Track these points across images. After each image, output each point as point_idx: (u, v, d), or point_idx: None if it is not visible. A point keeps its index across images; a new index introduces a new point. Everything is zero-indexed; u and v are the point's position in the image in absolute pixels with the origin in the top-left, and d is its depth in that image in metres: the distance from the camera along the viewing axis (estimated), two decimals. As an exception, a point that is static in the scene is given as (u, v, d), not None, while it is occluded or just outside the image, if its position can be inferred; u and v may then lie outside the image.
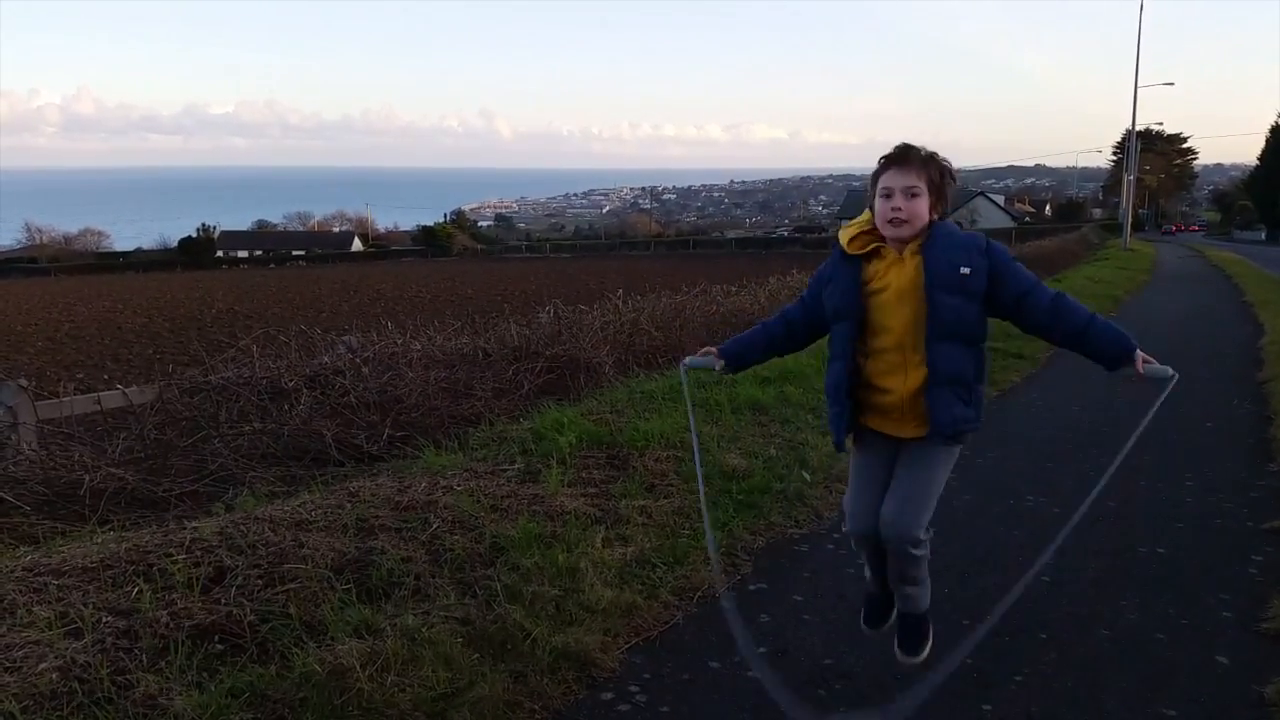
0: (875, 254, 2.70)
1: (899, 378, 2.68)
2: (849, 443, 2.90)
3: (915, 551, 2.73)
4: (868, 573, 3.04)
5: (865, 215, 2.75)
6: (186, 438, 5.48)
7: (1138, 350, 2.61)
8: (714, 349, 2.98)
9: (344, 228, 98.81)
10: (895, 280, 2.65)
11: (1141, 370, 2.60)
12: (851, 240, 2.72)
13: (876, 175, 2.70)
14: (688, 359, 3.02)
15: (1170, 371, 2.61)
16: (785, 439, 5.92)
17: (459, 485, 4.51)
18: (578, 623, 3.37)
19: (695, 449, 3.35)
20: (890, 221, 2.63)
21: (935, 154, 2.68)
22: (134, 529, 4.01)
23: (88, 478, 4.64)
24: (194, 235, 76.90)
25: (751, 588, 3.91)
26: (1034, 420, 7.13)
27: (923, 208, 2.62)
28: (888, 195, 2.63)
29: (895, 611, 3.01)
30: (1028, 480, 5.51)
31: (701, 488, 3.08)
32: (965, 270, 2.59)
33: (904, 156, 2.64)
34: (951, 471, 2.81)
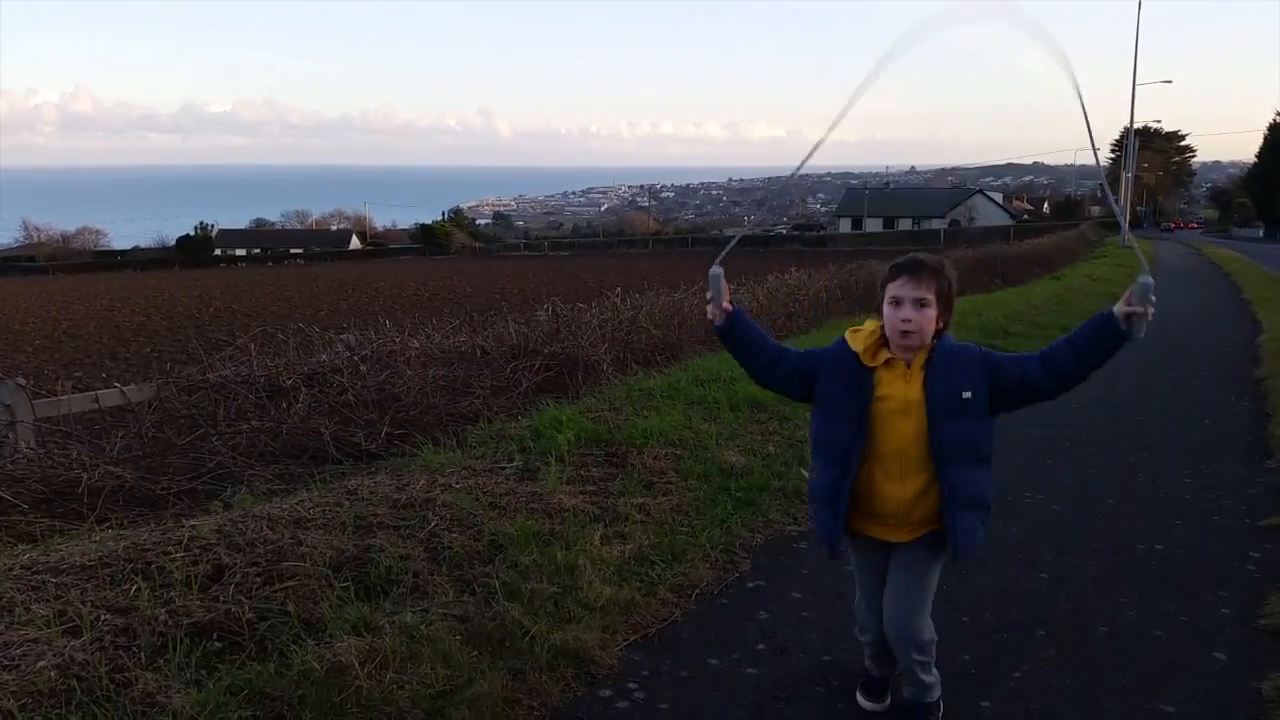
0: (884, 363, 2.69)
1: (896, 487, 2.68)
2: (846, 544, 2.89)
3: (920, 656, 2.78)
4: (868, 662, 3.04)
5: (871, 325, 2.73)
6: (184, 436, 5.48)
7: (1114, 310, 2.50)
8: (730, 304, 2.77)
9: (342, 226, 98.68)
10: (901, 392, 2.65)
11: (1129, 307, 2.46)
12: (865, 350, 2.68)
13: (885, 282, 2.68)
14: (714, 269, 2.73)
15: (1148, 279, 2.44)
16: (784, 436, 5.93)
17: (457, 483, 4.51)
18: (576, 620, 3.37)
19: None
20: (900, 333, 2.62)
21: (944, 264, 2.67)
22: (132, 527, 4.01)
23: (86, 476, 4.63)
24: (192, 234, 76.83)
25: (750, 585, 3.91)
26: (1032, 418, 7.13)
27: (931, 319, 2.62)
28: (897, 304, 2.62)
29: (904, 698, 2.95)
30: (1027, 478, 5.52)
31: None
32: (967, 395, 2.60)
33: (915, 267, 2.62)
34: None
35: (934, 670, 2.85)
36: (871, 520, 2.76)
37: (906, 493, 2.67)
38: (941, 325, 2.66)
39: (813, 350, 2.83)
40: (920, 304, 2.60)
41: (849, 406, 2.67)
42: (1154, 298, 2.43)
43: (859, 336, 2.72)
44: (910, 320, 2.59)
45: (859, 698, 3.04)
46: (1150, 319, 2.44)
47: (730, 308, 2.77)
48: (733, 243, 2.98)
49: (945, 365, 2.63)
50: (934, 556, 2.77)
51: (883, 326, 2.68)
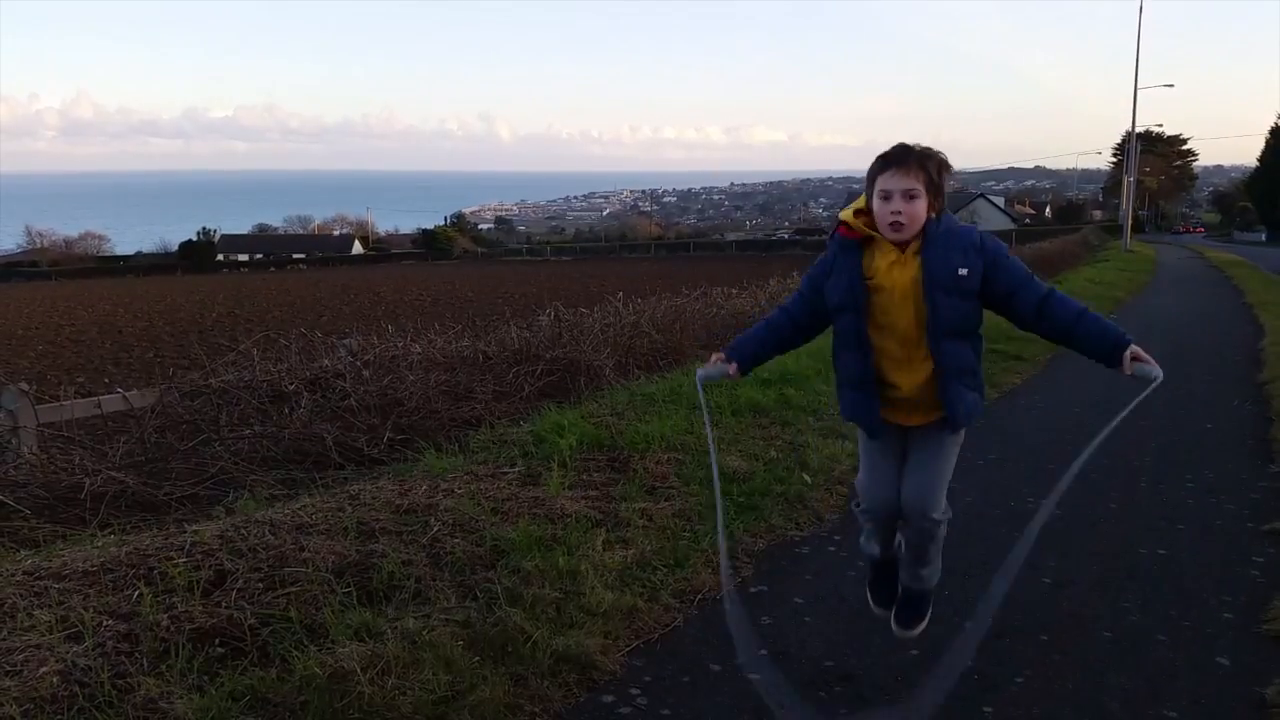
0: (875, 247, 2.73)
1: (905, 372, 2.76)
2: (857, 431, 3.00)
3: (936, 529, 2.85)
4: (875, 548, 3.10)
5: (861, 201, 2.77)
6: (187, 441, 5.48)
7: (1131, 345, 2.62)
8: (723, 355, 2.95)
9: (344, 231, 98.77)
10: (898, 279, 2.69)
11: (1128, 369, 2.62)
12: (855, 215, 2.74)
13: (873, 175, 2.71)
14: (701, 371, 2.99)
15: (1157, 374, 2.60)
16: (786, 441, 5.92)
17: (459, 488, 4.51)
18: (578, 625, 3.37)
19: (713, 458, 3.31)
20: (890, 225, 2.66)
21: (931, 151, 2.70)
22: (134, 532, 4.01)
23: (88, 481, 4.64)
24: (194, 239, 76.97)
25: (752, 590, 3.91)
26: (1034, 422, 7.13)
27: (921, 208, 2.65)
28: (886, 197, 2.65)
29: (901, 585, 3.06)
30: (1028, 482, 5.51)
31: (718, 497, 3.03)
32: (963, 271, 2.65)
33: (902, 157, 2.65)
34: (952, 474, 2.92)
35: (939, 555, 2.92)
36: (887, 407, 2.83)
37: (917, 378, 2.74)
38: (934, 214, 2.68)
39: (810, 271, 2.92)
40: (909, 195, 2.63)
41: (848, 292, 2.73)
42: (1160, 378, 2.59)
43: (850, 213, 2.78)
44: (900, 213, 2.63)
45: (871, 603, 3.16)
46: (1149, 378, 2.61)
47: (732, 365, 2.92)
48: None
49: (942, 243, 2.67)
50: (953, 434, 2.85)
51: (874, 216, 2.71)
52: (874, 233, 2.72)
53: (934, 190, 2.66)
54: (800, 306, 2.94)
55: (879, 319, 2.73)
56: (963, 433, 2.90)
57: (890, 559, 3.13)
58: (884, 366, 2.77)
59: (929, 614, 3.05)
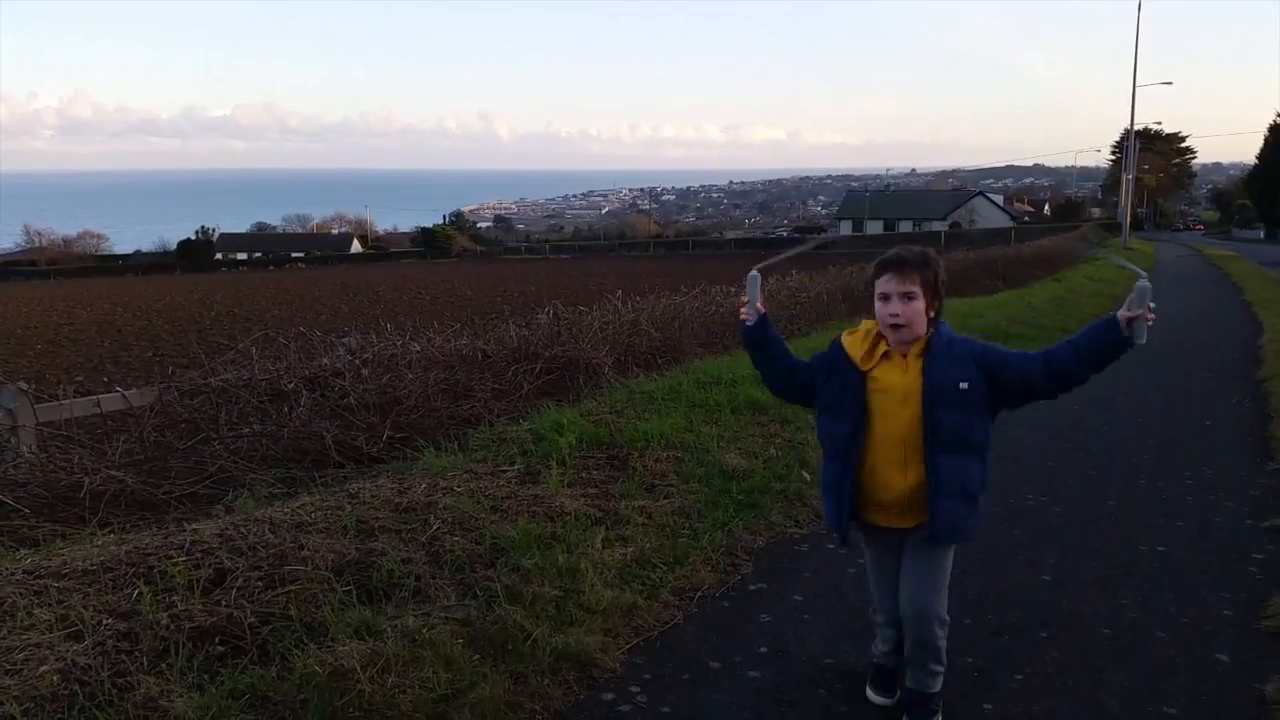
0: (882, 356, 2.75)
1: (899, 474, 2.75)
2: (857, 536, 2.99)
3: (939, 632, 2.80)
4: (880, 649, 3.06)
5: (868, 324, 2.81)
6: (186, 440, 5.47)
7: (1117, 315, 2.54)
8: (763, 308, 2.90)
9: (343, 230, 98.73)
10: (900, 382, 2.72)
11: (1130, 311, 2.51)
12: (863, 355, 2.76)
13: (872, 279, 2.76)
14: (752, 273, 2.89)
15: (1144, 283, 2.50)
16: (785, 439, 5.92)
17: (459, 486, 4.51)
18: (578, 623, 3.37)
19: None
20: (891, 326, 2.70)
21: (928, 253, 2.74)
22: (134, 531, 4.01)
23: (87, 480, 4.63)
24: (193, 238, 76.92)
25: (752, 587, 3.91)
26: (1034, 420, 7.13)
27: (920, 309, 2.69)
28: (885, 299, 2.70)
29: (906, 687, 2.96)
30: (1028, 480, 5.51)
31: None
32: (964, 385, 2.67)
33: (899, 263, 2.70)
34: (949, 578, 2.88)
35: (943, 658, 2.86)
36: (880, 510, 2.83)
37: (910, 481, 2.74)
38: (932, 315, 2.73)
39: (817, 356, 2.92)
40: (907, 298, 2.67)
41: (847, 404, 2.77)
42: (1153, 302, 2.48)
43: (855, 338, 2.82)
44: (899, 315, 2.68)
45: (869, 692, 3.07)
46: (1151, 322, 2.49)
47: (763, 309, 2.89)
48: (787, 254, 3.08)
49: (944, 355, 2.70)
50: (945, 548, 2.83)
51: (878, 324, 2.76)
52: (866, 367, 2.74)
53: (932, 291, 2.70)
54: (805, 374, 2.92)
55: (877, 421, 2.74)
56: (951, 552, 2.85)
57: (893, 665, 3.06)
58: (878, 466, 2.76)
59: (940, 708, 2.91)
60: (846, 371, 2.78)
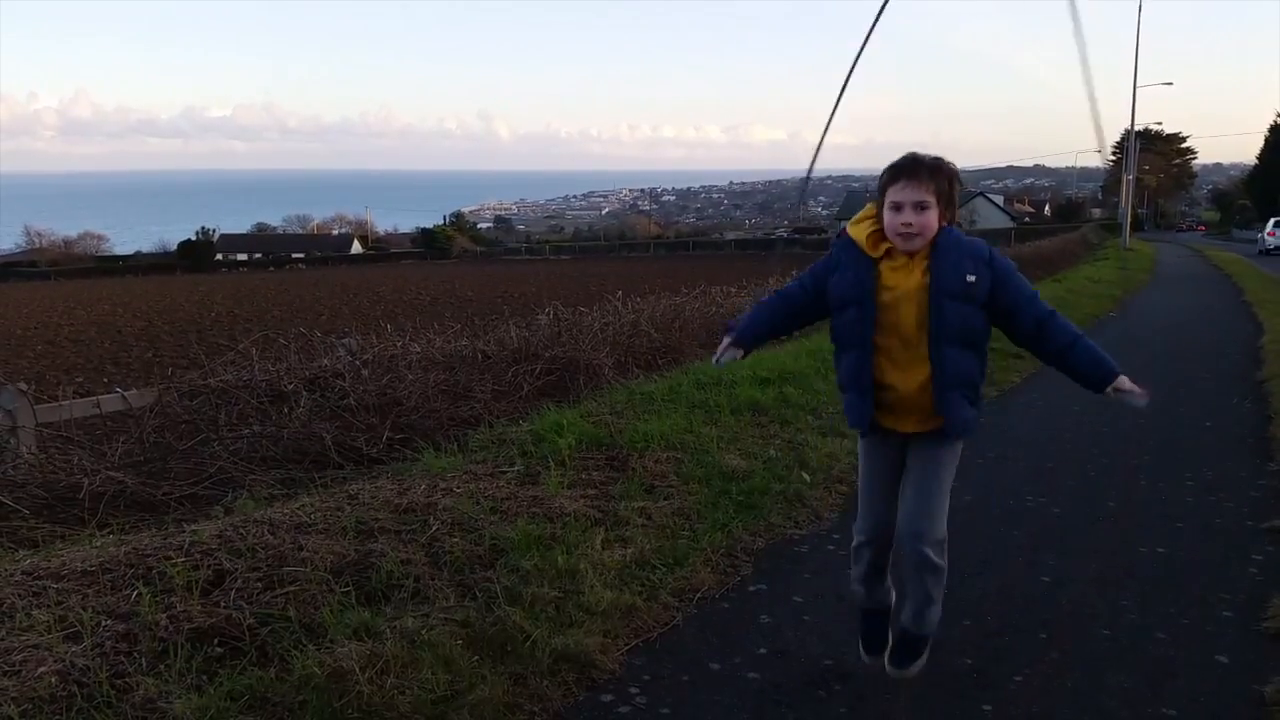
0: (885, 253, 2.74)
1: (903, 374, 2.74)
2: (859, 445, 2.98)
3: (937, 558, 2.79)
4: (862, 588, 3.04)
5: (872, 210, 2.77)
6: (185, 441, 5.47)
7: (1121, 376, 2.69)
8: (729, 340, 2.94)
9: (343, 230, 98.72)
10: (903, 283, 2.70)
11: (1112, 393, 2.71)
12: (868, 239, 2.74)
13: (884, 186, 2.70)
14: (716, 358, 3.00)
15: (1143, 404, 2.71)
16: (785, 440, 5.92)
17: (458, 487, 4.51)
18: (578, 624, 3.37)
19: None
20: (901, 235, 2.67)
21: (942, 161, 2.71)
22: (133, 532, 4.01)
23: (87, 481, 4.63)
24: (193, 238, 76.93)
25: (751, 589, 3.91)
26: (1034, 420, 7.13)
27: (932, 219, 2.66)
28: (897, 208, 2.66)
29: (896, 628, 2.99)
30: (1028, 480, 5.51)
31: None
32: (971, 278, 2.66)
33: (913, 169, 2.65)
34: (949, 497, 2.89)
35: (943, 582, 2.84)
36: (883, 410, 2.80)
37: (914, 381, 2.73)
38: (944, 224, 2.69)
39: (814, 265, 2.91)
40: (920, 207, 2.63)
41: (858, 291, 2.72)
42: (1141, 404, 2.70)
43: (860, 227, 2.77)
44: (911, 224, 2.64)
45: (862, 654, 3.07)
46: (1141, 403, 2.71)
47: (738, 349, 2.93)
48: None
49: (953, 250, 2.67)
50: (950, 447, 2.82)
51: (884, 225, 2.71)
52: (875, 255, 2.73)
53: (945, 201, 2.67)
54: (800, 295, 2.92)
55: (882, 320, 2.72)
56: (960, 446, 2.87)
57: (879, 607, 3.06)
58: (883, 366, 2.76)
59: (926, 653, 2.95)
60: (857, 260, 2.74)
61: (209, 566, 3.39)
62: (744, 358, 3.02)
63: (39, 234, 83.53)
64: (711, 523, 4.45)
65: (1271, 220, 40.88)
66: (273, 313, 27.35)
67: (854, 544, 3.02)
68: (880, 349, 2.74)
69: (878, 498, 2.93)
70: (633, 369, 8.09)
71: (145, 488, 4.78)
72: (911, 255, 2.70)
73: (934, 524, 2.79)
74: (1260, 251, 38.36)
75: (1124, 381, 2.68)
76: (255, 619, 3.10)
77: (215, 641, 2.98)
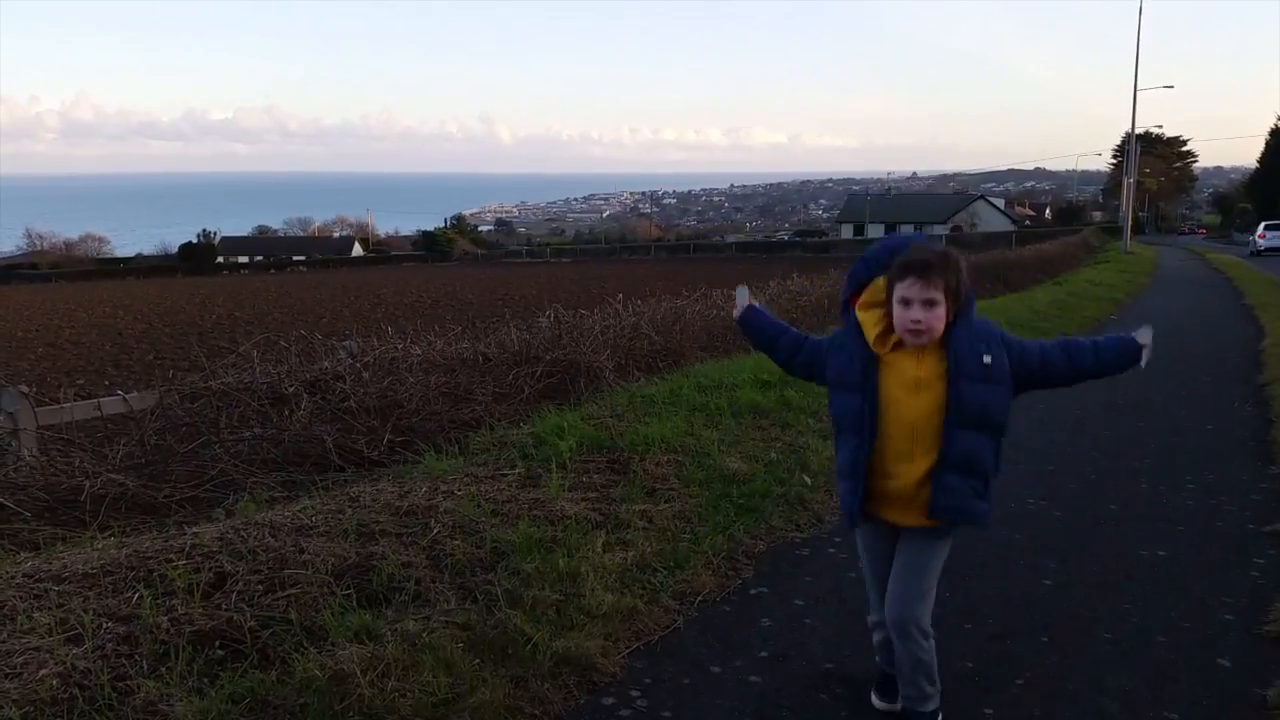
0: (893, 347, 2.71)
1: (905, 465, 2.70)
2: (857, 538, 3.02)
3: (920, 639, 2.76)
4: (879, 657, 3.07)
5: (882, 293, 2.70)
6: (187, 443, 5.48)
7: (1138, 344, 2.79)
8: (753, 301, 3.13)
9: (344, 233, 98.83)
10: (913, 370, 2.67)
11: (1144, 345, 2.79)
12: (876, 337, 2.71)
13: (892, 280, 2.66)
14: (741, 289, 3.19)
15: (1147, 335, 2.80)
16: (786, 443, 5.92)
17: (459, 490, 4.51)
18: (578, 627, 3.37)
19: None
20: (910, 332, 2.64)
21: (949, 254, 2.66)
22: (134, 535, 4.01)
23: (88, 484, 4.64)
24: (194, 241, 77.03)
25: (753, 592, 3.91)
26: (1035, 424, 7.12)
27: (941, 315, 2.62)
28: (906, 304, 2.62)
29: (900, 704, 2.95)
30: (1029, 484, 5.51)
31: None
32: (987, 359, 2.65)
33: (923, 268, 2.60)
34: (935, 590, 2.86)
35: (935, 676, 2.82)
36: (882, 501, 2.78)
37: (916, 472, 2.69)
38: (952, 319, 2.66)
39: (825, 338, 2.96)
40: (929, 304, 2.60)
41: (859, 378, 2.72)
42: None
43: (869, 315, 2.74)
44: (920, 321, 2.61)
45: (873, 697, 3.05)
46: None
47: (751, 302, 3.12)
48: None
49: (965, 334, 2.67)
50: (939, 540, 2.80)
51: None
52: (881, 351, 2.70)
53: (953, 296, 2.63)
54: (811, 350, 3.00)
55: (887, 408, 2.69)
56: (949, 540, 2.83)
57: (891, 669, 3.04)
58: (885, 456, 2.72)
59: None
60: (860, 346, 2.73)
61: (210, 569, 3.39)
62: (739, 315, 3.14)
63: (40, 236, 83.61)
64: (713, 526, 4.45)
65: (1262, 224, 44.15)
66: (274, 315, 27.36)
67: (870, 621, 3.05)
68: (884, 440, 2.71)
69: (873, 590, 2.98)
70: (633, 372, 8.09)
71: (146, 490, 4.79)
72: (922, 347, 2.67)
73: (915, 610, 2.76)
74: (1251, 253, 41.16)
75: (1146, 336, 2.79)
76: (256, 621, 3.10)
77: (216, 644, 2.98)
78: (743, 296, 3.15)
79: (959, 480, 2.69)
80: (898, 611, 2.76)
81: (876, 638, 3.04)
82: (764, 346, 3.13)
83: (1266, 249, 40.55)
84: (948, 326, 2.65)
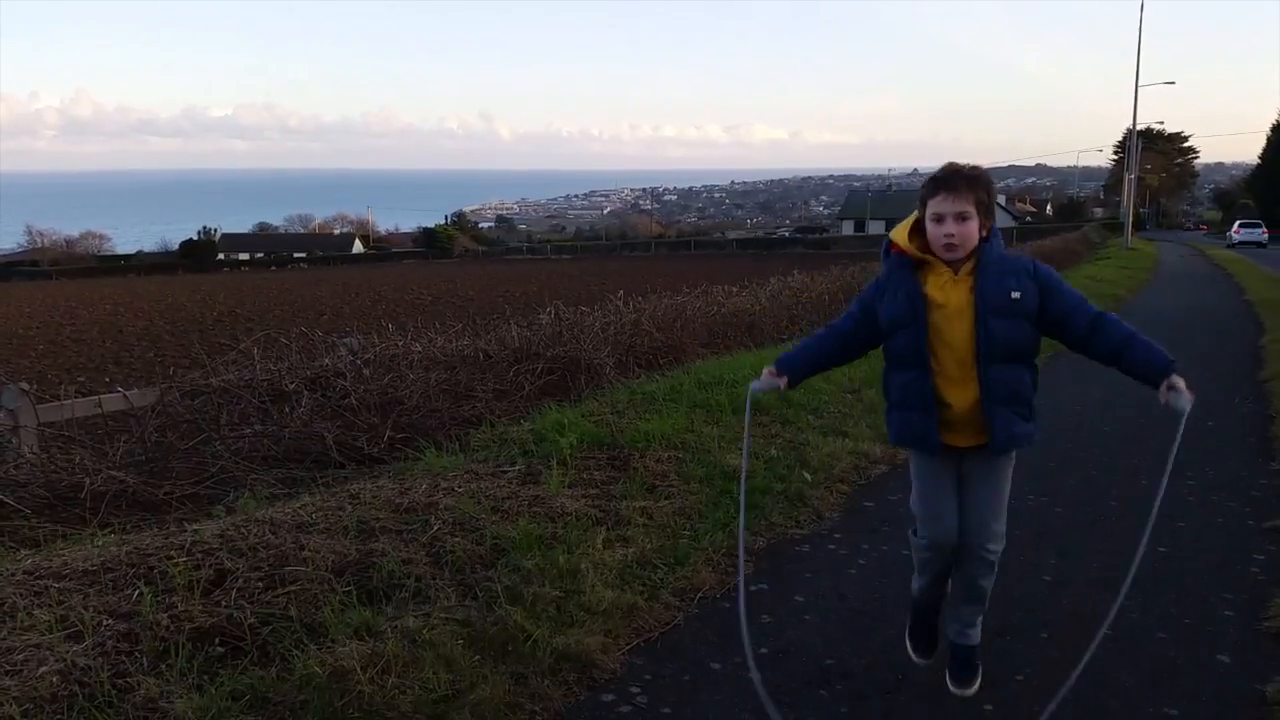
0: (929, 268, 2.79)
1: (958, 391, 2.79)
2: (910, 455, 3.04)
3: (994, 556, 2.90)
4: (924, 582, 3.06)
5: (913, 217, 2.81)
6: (187, 440, 5.48)
7: (1175, 375, 2.69)
8: (774, 370, 3.00)
9: (345, 230, 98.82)
10: (951, 299, 2.75)
11: (1164, 397, 2.68)
12: (911, 244, 2.79)
13: (924, 198, 2.75)
14: (754, 384, 3.04)
15: (1186, 407, 2.66)
16: (786, 440, 5.92)
17: (460, 487, 4.51)
18: (579, 624, 3.37)
19: (744, 471, 3.30)
20: (945, 246, 2.72)
21: (979, 170, 2.75)
22: (135, 532, 4.01)
23: (88, 481, 4.64)
24: (195, 238, 77.04)
25: (753, 588, 3.91)
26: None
27: (974, 229, 2.71)
28: (939, 220, 2.71)
29: (947, 642, 3.06)
30: (1029, 480, 5.50)
31: (743, 510, 3.01)
32: (1016, 295, 2.71)
33: (953, 181, 2.69)
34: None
35: (990, 593, 2.95)
36: (941, 427, 2.84)
37: (968, 397, 2.78)
38: (985, 234, 2.74)
39: (862, 293, 2.96)
40: (962, 218, 2.69)
41: (907, 307, 2.78)
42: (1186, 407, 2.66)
43: (902, 232, 2.82)
44: (954, 235, 2.70)
45: (909, 649, 3.14)
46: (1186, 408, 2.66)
47: (783, 377, 2.97)
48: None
49: (996, 267, 2.74)
50: (1003, 457, 2.90)
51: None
52: (928, 256, 2.78)
53: (985, 210, 2.72)
54: (851, 326, 2.97)
55: (936, 337, 2.77)
56: (1014, 456, 2.92)
57: (934, 600, 3.12)
58: (938, 385, 2.80)
59: (980, 669, 3.03)
60: (899, 276, 2.80)
61: (210, 566, 3.39)
62: (790, 388, 3.04)
63: (41, 234, 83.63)
64: (713, 522, 4.45)
65: (1237, 221, 52.42)
66: (274, 312, 27.36)
67: (920, 555, 3.02)
68: (935, 368, 2.79)
69: (942, 509, 2.94)
70: (634, 368, 8.10)
71: (147, 487, 4.79)
72: (956, 270, 2.75)
73: (998, 531, 2.90)
74: (1228, 245, 47.48)
75: (1178, 381, 2.68)
76: (256, 618, 3.11)
77: (216, 641, 2.98)
78: (765, 384, 3.00)
79: (1007, 412, 2.78)
80: (981, 535, 2.86)
81: (926, 576, 3.02)
82: (823, 367, 3.08)
83: (1240, 242, 47.23)
84: (978, 256, 2.73)
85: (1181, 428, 2.70)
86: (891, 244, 2.85)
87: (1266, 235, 48.55)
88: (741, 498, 3.01)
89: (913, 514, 3.04)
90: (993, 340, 2.71)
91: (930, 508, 2.96)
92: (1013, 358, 2.75)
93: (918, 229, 2.80)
